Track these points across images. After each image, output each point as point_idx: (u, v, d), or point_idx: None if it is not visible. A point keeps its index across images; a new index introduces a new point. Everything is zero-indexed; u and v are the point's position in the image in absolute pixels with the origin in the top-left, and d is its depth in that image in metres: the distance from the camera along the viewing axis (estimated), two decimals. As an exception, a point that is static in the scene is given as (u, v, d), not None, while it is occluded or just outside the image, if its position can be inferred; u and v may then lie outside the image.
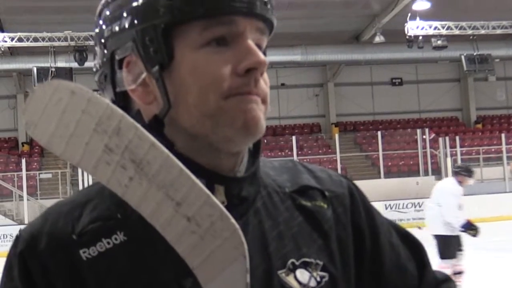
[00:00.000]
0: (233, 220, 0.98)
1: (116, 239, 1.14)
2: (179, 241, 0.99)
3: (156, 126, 1.14)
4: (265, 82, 1.16)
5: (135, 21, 1.13)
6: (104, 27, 1.19)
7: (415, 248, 1.39)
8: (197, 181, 0.98)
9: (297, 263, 1.20)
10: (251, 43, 1.13)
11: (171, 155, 0.98)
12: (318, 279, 1.20)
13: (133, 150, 0.97)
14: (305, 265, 1.20)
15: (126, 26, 1.14)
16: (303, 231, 1.24)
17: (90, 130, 0.98)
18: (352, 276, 1.27)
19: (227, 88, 1.11)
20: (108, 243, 1.13)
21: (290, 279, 1.18)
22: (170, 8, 1.11)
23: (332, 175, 1.36)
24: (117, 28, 1.16)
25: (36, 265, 1.14)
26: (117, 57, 1.17)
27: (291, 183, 1.29)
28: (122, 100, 1.19)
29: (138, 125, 0.98)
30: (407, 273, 1.35)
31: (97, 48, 1.22)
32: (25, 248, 1.16)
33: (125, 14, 1.15)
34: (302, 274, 1.19)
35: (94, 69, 1.24)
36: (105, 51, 1.19)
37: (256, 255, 1.16)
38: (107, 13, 1.19)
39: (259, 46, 1.16)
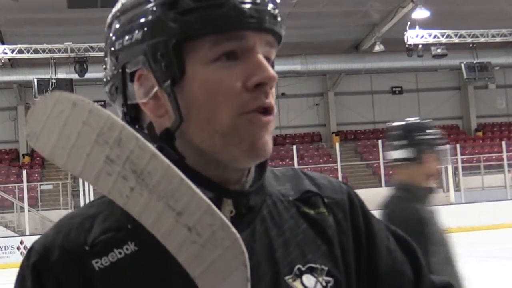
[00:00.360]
0: (233, 229, 0.99)
1: (127, 249, 1.15)
2: (180, 250, 0.99)
3: (167, 139, 1.16)
4: (272, 95, 1.18)
5: (146, 36, 1.14)
6: (114, 39, 1.20)
7: (412, 253, 1.40)
8: (198, 190, 0.98)
9: (303, 269, 1.22)
10: (261, 58, 1.15)
11: (171, 165, 0.99)
12: (324, 284, 1.23)
13: (134, 160, 0.98)
14: (311, 271, 1.23)
15: (137, 40, 1.15)
16: (308, 238, 1.26)
17: (92, 141, 0.99)
18: (354, 280, 1.29)
19: (239, 104, 1.13)
20: (120, 253, 1.15)
21: (296, 284, 1.21)
22: (181, 24, 1.11)
23: (332, 182, 1.38)
24: (128, 42, 1.17)
25: (49, 277, 1.15)
26: (128, 70, 1.18)
27: (294, 191, 1.31)
28: (134, 112, 1.20)
29: (139, 136, 0.99)
30: (404, 277, 1.36)
31: (107, 59, 1.23)
32: (38, 260, 1.17)
33: (136, 28, 1.15)
34: (308, 280, 1.22)
35: (105, 80, 1.25)
36: (116, 64, 1.20)
37: (263, 262, 1.19)
38: (117, 26, 1.20)
39: (268, 58, 1.18)
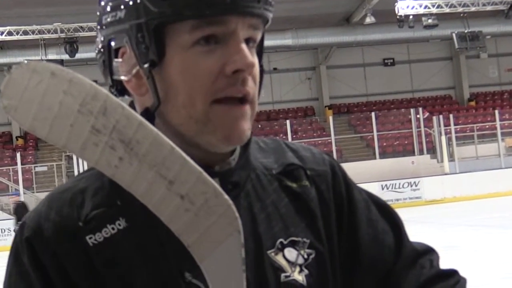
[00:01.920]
0: (226, 196, 0.98)
1: (119, 224, 1.15)
2: (173, 219, 0.98)
3: (147, 118, 1.14)
4: (254, 80, 1.16)
5: (129, 16, 1.14)
6: (103, 13, 1.19)
7: (394, 222, 1.40)
8: (189, 158, 0.97)
9: (285, 242, 1.23)
10: (241, 44, 1.13)
11: (160, 133, 0.97)
12: (305, 256, 1.24)
13: (121, 130, 0.96)
14: (293, 244, 1.24)
15: (121, 18, 1.15)
16: (290, 212, 1.27)
17: (74, 111, 0.96)
18: (336, 250, 1.30)
19: (214, 90, 1.12)
20: (113, 228, 1.15)
21: (279, 258, 1.22)
22: (162, 8, 1.10)
23: (315, 153, 1.38)
24: (112, 19, 1.16)
25: (45, 251, 1.15)
26: (113, 46, 1.18)
27: (277, 164, 1.31)
28: (120, 86, 1.21)
29: (124, 105, 0.97)
30: (384, 247, 1.36)
31: (98, 32, 1.23)
32: (31, 235, 1.17)
33: (122, 6, 1.15)
34: (290, 253, 1.23)
35: (96, 50, 1.25)
36: (103, 38, 1.20)
37: (248, 237, 1.17)
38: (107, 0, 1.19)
39: (252, 40, 1.16)
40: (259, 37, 1.19)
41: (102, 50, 1.21)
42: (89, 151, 0.97)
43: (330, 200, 1.32)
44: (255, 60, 1.15)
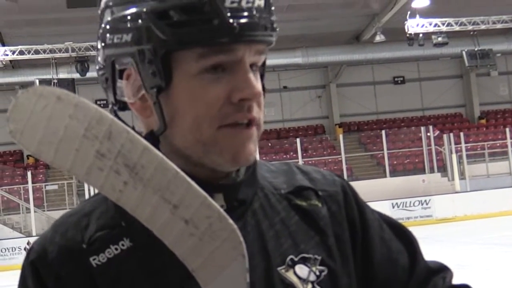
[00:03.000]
0: (231, 221, 0.98)
1: (123, 245, 1.16)
2: (177, 244, 0.98)
3: (152, 141, 1.15)
4: (259, 106, 1.17)
5: (136, 40, 1.13)
6: (105, 32, 1.19)
7: (407, 240, 1.41)
8: (193, 183, 0.97)
9: (296, 259, 1.23)
10: (248, 73, 1.14)
11: (165, 158, 0.97)
12: (317, 273, 1.24)
13: (126, 154, 0.96)
14: (304, 261, 1.24)
15: (127, 41, 1.14)
16: (300, 229, 1.27)
17: (80, 135, 0.97)
18: (353, 270, 1.30)
19: (220, 116, 1.13)
20: (116, 249, 1.16)
21: (289, 275, 1.21)
22: (171, 36, 1.10)
23: (326, 175, 1.38)
24: (118, 40, 1.16)
25: (48, 273, 1.16)
26: (117, 67, 1.18)
27: (287, 185, 1.31)
28: (123, 105, 1.21)
29: (129, 129, 0.97)
30: (398, 266, 1.36)
31: (99, 47, 1.22)
32: (36, 258, 1.19)
33: (127, 30, 1.14)
34: (301, 269, 1.23)
35: (97, 67, 1.25)
36: (106, 57, 1.20)
37: (256, 254, 1.19)
38: (109, 18, 1.19)
39: (256, 65, 1.17)
40: (262, 59, 1.19)
41: (104, 67, 1.21)
42: (94, 176, 0.98)
43: (343, 220, 1.32)
44: (261, 89, 1.16)
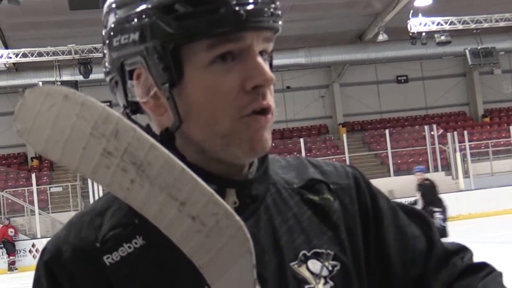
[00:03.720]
0: (237, 217, 0.98)
1: (136, 243, 1.17)
2: (184, 240, 0.98)
3: (167, 138, 1.16)
4: (271, 93, 1.18)
5: (143, 38, 1.13)
6: (111, 34, 1.19)
7: (423, 225, 1.40)
8: (200, 180, 0.98)
9: (308, 254, 1.23)
10: (258, 59, 1.14)
11: (171, 155, 0.98)
12: (330, 268, 1.24)
13: (132, 152, 0.96)
14: (317, 256, 1.24)
15: (134, 41, 1.14)
16: (313, 224, 1.27)
17: (87, 134, 0.97)
18: (363, 263, 1.30)
19: (238, 107, 1.13)
20: (129, 247, 1.16)
21: (302, 270, 1.21)
22: (178, 29, 1.11)
23: (338, 167, 1.38)
24: (125, 41, 1.16)
25: (63, 273, 1.17)
26: (127, 68, 1.18)
27: (298, 179, 1.31)
28: (135, 106, 1.21)
29: (136, 127, 0.97)
30: (415, 251, 1.36)
31: (105, 51, 1.22)
32: (50, 258, 1.19)
33: (133, 29, 1.15)
34: (314, 265, 1.23)
35: (104, 70, 1.25)
36: (114, 59, 1.19)
37: (268, 250, 1.20)
38: (113, 19, 1.19)
39: (265, 51, 1.18)
40: (271, 48, 1.20)
41: (113, 71, 1.21)
42: (101, 174, 0.98)
43: (356, 212, 1.32)
44: (272, 74, 1.16)
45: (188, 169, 0.97)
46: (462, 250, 1.41)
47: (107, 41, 1.20)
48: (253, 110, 1.14)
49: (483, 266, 1.38)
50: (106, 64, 1.23)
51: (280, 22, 1.18)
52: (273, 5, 1.15)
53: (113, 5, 1.20)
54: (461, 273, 1.36)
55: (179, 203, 0.96)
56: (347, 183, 1.35)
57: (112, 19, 1.19)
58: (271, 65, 1.22)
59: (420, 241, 1.37)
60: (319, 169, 1.35)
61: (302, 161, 1.38)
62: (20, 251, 22.74)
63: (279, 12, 1.17)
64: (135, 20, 1.14)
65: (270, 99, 1.16)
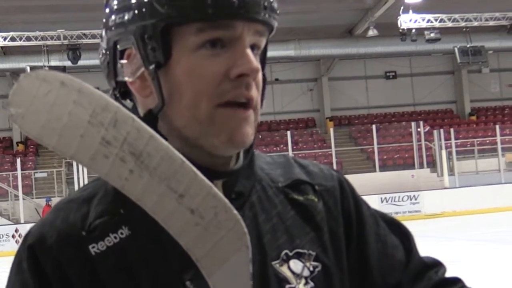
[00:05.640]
0: (235, 211, 0.98)
1: (122, 233, 1.16)
2: (183, 233, 0.98)
3: (150, 120, 1.15)
4: (257, 86, 1.17)
5: (136, 17, 1.14)
6: (110, 14, 1.20)
7: (403, 236, 1.42)
8: (199, 172, 0.97)
9: (290, 254, 1.23)
10: (246, 49, 1.14)
11: (171, 147, 0.97)
12: (311, 268, 1.24)
13: (132, 142, 0.95)
14: (298, 256, 1.24)
15: (128, 20, 1.15)
16: (296, 224, 1.27)
17: (85, 122, 0.96)
18: (345, 265, 1.30)
19: (219, 93, 1.13)
20: (115, 237, 1.16)
21: (283, 269, 1.22)
22: (170, 9, 1.11)
23: (323, 169, 1.39)
24: (119, 20, 1.17)
25: (47, 258, 1.15)
26: (119, 47, 1.19)
27: (284, 178, 1.32)
28: (123, 88, 1.21)
29: (135, 117, 0.96)
30: (394, 261, 1.37)
31: (103, 33, 1.23)
32: (34, 242, 1.17)
33: (128, 8, 1.16)
34: (296, 264, 1.23)
35: (99, 53, 1.25)
36: (108, 39, 1.20)
37: (252, 247, 1.18)
38: (114, 2, 1.20)
39: (257, 46, 1.18)
40: (263, 44, 1.20)
41: (107, 52, 1.21)
42: (99, 163, 0.97)
43: (339, 215, 1.32)
44: (259, 65, 1.16)
45: (187, 161, 0.97)
46: (437, 265, 1.44)
47: (104, 21, 1.22)
48: (234, 98, 1.14)
49: (456, 281, 1.42)
50: (103, 45, 1.23)
51: (274, 18, 1.18)
52: (268, 0, 1.16)
53: None
54: (434, 286, 1.39)
55: (178, 195, 0.96)
56: (332, 185, 1.35)
57: (113, 1, 1.21)
58: (263, 63, 1.22)
59: (399, 251, 1.39)
60: (305, 169, 1.36)
61: (288, 160, 1.38)
62: (2, 236, 22.64)
63: (274, 7, 1.17)
64: (132, 0, 1.15)
65: (254, 92, 1.16)
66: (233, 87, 1.13)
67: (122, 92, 1.22)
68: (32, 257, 1.16)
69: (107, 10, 1.21)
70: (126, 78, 1.18)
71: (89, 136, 0.96)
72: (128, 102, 1.23)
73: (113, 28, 1.18)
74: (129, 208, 1.11)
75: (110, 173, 0.97)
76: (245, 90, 1.14)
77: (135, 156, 0.96)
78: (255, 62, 1.15)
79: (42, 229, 1.19)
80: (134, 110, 1.21)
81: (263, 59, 1.23)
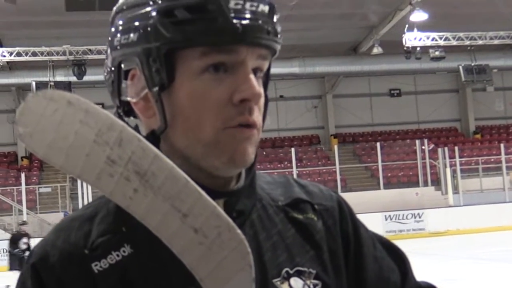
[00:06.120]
0: (239, 231, 0.99)
1: (124, 251, 1.17)
2: (186, 252, 0.98)
3: (153, 140, 1.16)
4: (259, 110, 1.19)
5: (141, 39, 1.15)
6: (115, 34, 1.21)
7: (399, 259, 1.43)
8: (203, 192, 0.98)
9: (291, 272, 1.24)
10: (249, 74, 1.16)
11: (175, 166, 0.98)
12: (312, 286, 1.25)
13: (136, 161, 0.96)
14: (299, 274, 1.25)
15: (133, 41, 1.17)
16: (296, 242, 1.28)
17: (90, 141, 0.97)
18: (345, 284, 1.31)
19: (223, 118, 1.14)
20: (118, 255, 1.17)
21: (284, 287, 1.22)
22: (175, 33, 1.13)
23: (323, 190, 1.40)
24: (125, 41, 1.18)
25: (50, 277, 1.17)
26: (123, 67, 1.20)
27: (284, 197, 1.33)
28: (126, 107, 1.22)
29: (140, 136, 0.97)
30: (390, 283, 1.38)
31: (108, 51, 1.24)
32: (37, 261, 1.19)
33: (133, 30, 1.17)
34: (296, 282, 1.24)
35: (105, 72, 1.26)
36: (113, 59, 1.22)
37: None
38: (120, 22, 1.21)
39: (260, 69, 1.19)
40: (266, 67, 1.21)
41: (111, 70, 1.22)
42: (104, 182, 0.98)
43: (337, 235, 1.33)
44: (262, 90, 1.18)
45: (191, 181, 0.98)
46: None
47: (110, 39, 1.23)
48: (238, 124, 1.15)
49: None
50: (108, 63, 1.24)
51: (277, 42, 1.19)
52: (271, 25, 1.17)
53: (124, 7, 1.22)
54: None
55: (182, 215, 0.96)
56: (331, 205, 1.36)
57: (118, 20, 1.22)
58: (266, 84, 1.23)
59: (395, 274, 1.40)
60: (304, 189, 1.37)
61: (288, 180, 1.39)
62: (6, 250, 22.58)
63: (277, 31, 1.19)
64: (137, 21, 1.17)
65: (257, 116, 1.18)
66: (237, 114, 1.15)
67: (126, 110, 1.23)
68: (36, 276, 1.18)
69: (113, 29, 1.22)
70: (129, 99, 1.20)
71: (94, 155, 0.97)
72: (131, 120, 1.24)
73: (118, 47, 1.20)
74: (131, 226, 1.12)
75: (115, 192, 0.98)
76: (248, 115, 1.16)
77: (140, 175, 0.96)
78: (258, 88, 1.16)
79: (45, 248, 1.20)
80: (137, 128, 1.22)
81: (266, 81, 1.24)
